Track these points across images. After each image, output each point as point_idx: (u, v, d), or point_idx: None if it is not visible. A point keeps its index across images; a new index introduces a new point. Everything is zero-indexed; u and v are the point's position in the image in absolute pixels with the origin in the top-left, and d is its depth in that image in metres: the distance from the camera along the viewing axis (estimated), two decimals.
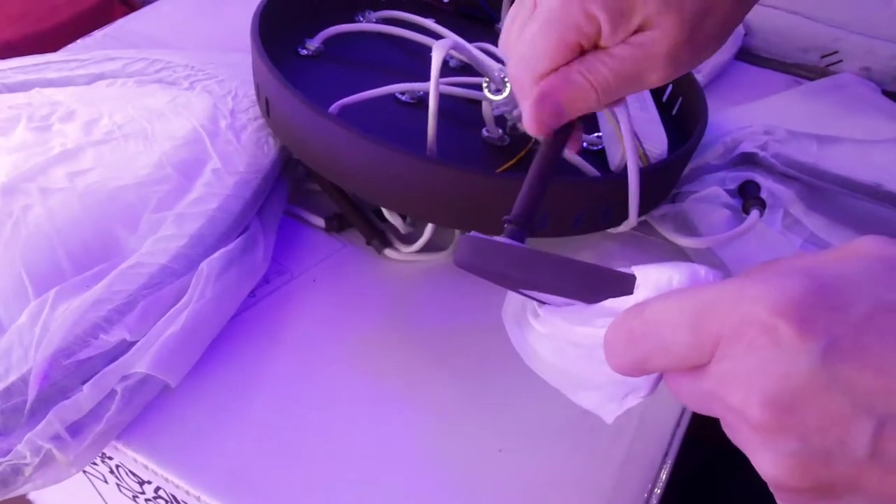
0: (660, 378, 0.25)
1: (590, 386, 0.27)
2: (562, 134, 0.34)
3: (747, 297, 0.20)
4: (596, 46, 0.32)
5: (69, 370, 0.35)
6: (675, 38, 0.30)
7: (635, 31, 0.31)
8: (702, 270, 0.23)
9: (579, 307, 0.25)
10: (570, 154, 0.45)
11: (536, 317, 0.28)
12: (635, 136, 0.48)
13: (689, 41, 0.31)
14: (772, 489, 0.21)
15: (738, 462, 0.39)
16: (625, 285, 0.24)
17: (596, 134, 0.50)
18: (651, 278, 0.23)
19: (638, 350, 0.23)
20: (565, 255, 0.24)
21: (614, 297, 0.24)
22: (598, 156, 0.49)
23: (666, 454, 0.37)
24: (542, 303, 0.28)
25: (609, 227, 0.45)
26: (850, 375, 0.19)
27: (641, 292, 0.23)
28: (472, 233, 0.27)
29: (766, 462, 0.20)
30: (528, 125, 0.33)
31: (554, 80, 0.32)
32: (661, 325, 0.22)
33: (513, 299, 0.30)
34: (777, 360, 0.19)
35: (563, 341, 0.27)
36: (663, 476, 0.37)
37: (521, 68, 0.33)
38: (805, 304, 0.19)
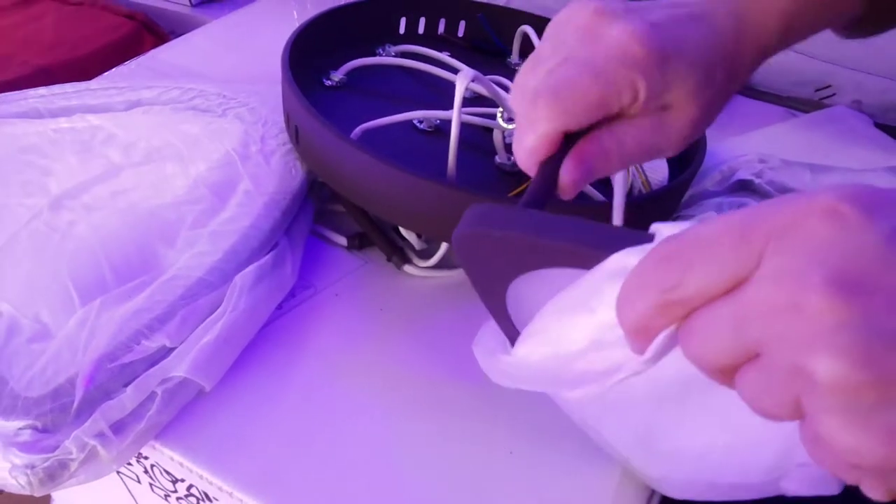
0: (671, 343, 0.21)
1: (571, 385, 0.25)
2: (552, 168, 0.32)
3: (805, 196, 0.19)
4: (619, 113, 0.31)
5: (113, 373, 0.37)
6: (694, 121, 0.33)
7: (662, 109, 0.32)
8: None
9: (577, 291, 0.23)
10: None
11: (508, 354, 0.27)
12: (639, 167, 0.51)
13: (702, 122, 0.33)
14: (826, 397, 0.18)
15: None
16: (642, 238, 0.22)
17: None
18: (676, 228, 0.21)
19: (671, 269, 0.20)
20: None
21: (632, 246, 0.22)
22: (603, 182, 0.52)
23: None
24: (517, 334, 0.27)
25: None
26: None
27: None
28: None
29: (826, 356, 0.18)
30: (526, 160, 0.32)
31: (589, 147, 0.32)
32: (702, 237, 0.20)
33: (485, 336, 0.30)
34: (844, 238, 0.18)
35: (539, 360, 0.26)
36: None
37: (548, 100, 0.30)
38: (869, 193, 0.19)
